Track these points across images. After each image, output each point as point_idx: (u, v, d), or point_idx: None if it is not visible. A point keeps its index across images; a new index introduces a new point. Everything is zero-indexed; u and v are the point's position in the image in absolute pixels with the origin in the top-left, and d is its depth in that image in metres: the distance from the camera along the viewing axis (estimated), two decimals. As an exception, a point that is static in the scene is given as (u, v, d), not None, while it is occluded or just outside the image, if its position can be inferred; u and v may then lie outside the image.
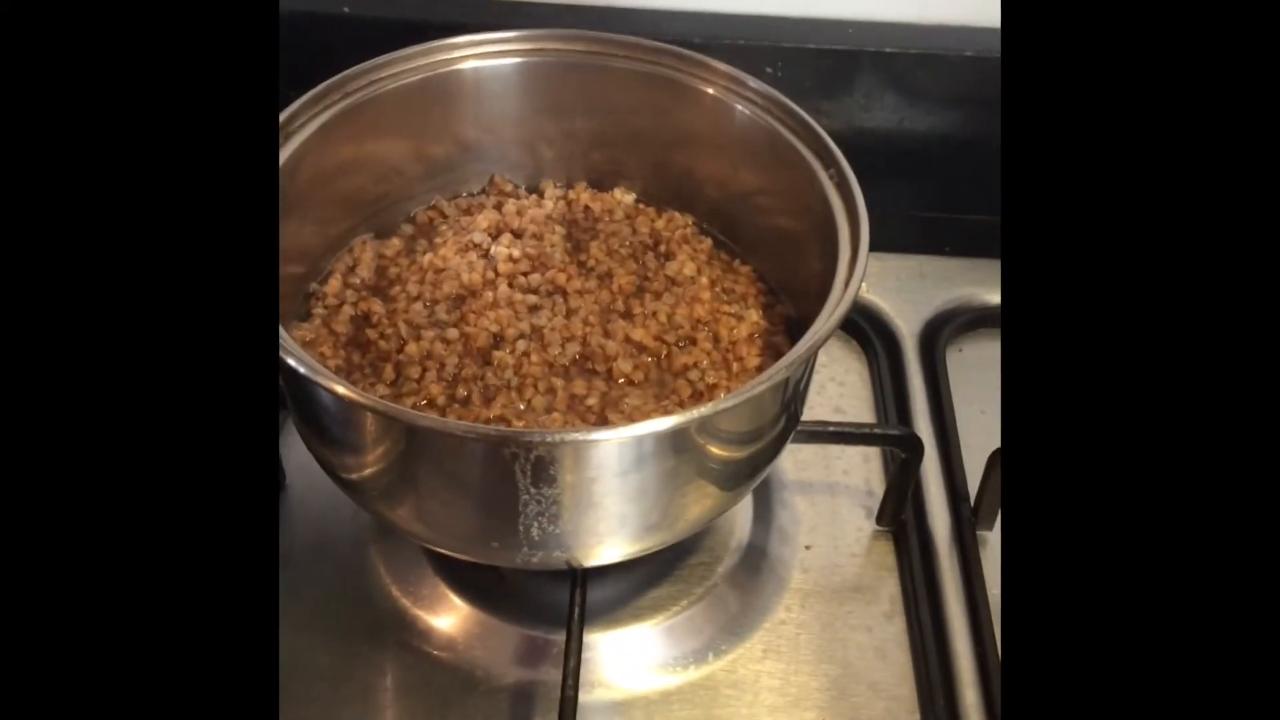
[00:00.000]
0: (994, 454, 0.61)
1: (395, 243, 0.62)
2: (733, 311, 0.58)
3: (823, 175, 0.55)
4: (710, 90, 0.59)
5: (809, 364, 0.53)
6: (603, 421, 0.53)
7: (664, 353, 0.57)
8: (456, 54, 0.59)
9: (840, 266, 0.50)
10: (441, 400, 0.53)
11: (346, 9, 0.74)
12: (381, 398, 0.53)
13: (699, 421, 0.45)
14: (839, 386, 0.72)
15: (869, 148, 0.79)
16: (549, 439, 0.43)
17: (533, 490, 0.46)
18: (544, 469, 0.45)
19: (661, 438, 0.46)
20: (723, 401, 0.44)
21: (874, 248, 0.76)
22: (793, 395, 0.52)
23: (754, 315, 0.58)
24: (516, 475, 0.45)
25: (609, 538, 0.49)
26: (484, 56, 0.59)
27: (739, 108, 0.58)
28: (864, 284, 0.75)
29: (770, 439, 0.52)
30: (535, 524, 0.47)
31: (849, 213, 0.52)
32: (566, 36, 0.60)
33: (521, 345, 0.55)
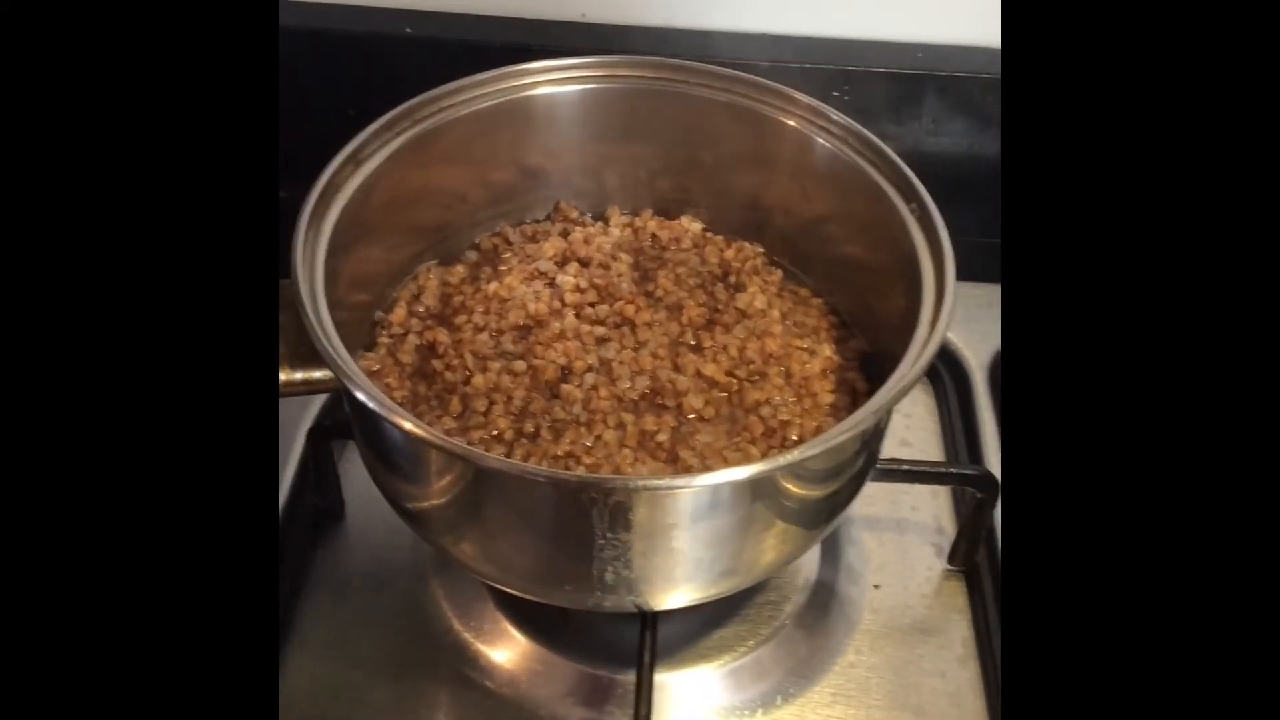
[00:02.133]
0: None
1: (460, 270, 0.61)
2: (805, 346, 0.57)
3: (904, 209, 0.53)
4: (791, 122, 0.57)
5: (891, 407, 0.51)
6: (673, 458, 0.52)
7: (735, 388, 0.55)
8: (529, 79, 0.58)
9: (925, 306, 0.49)
10: (509, 435, 0.52)
11: (409, 29, 0.73)
12: (448, 431, 0.53)
13: (783, 469, 0.43)
14: (905, 419, 0.70)
15: (937, 173, 0.76)
16: (630, 485, 0.42)
17: (609, 535, 0.44)
18: (622, 514, 0.43)
19: (743, 484, 0.44)
20: (809, 448, 0.43)
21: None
22: (873, 438, 0.51)
23: (827, 350, 0.57)
24: (594, 520, 0.44)
25: (684, 583, 0.48)
26: (557, 83, 0.58)
27: (820, 140, 0.57)
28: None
29: (849, 480, 0.51)
30: (610, 568, 0.46)
31: (932, 249, 0.51)
32: (640, 63, 0.59)
33: (590, 379, 0.54)
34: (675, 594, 0.49)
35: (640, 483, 0.42)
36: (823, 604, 0.60)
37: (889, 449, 0.68)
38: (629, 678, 0.54)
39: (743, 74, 0.58)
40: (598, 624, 0.58)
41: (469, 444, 0.52)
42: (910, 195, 0.53)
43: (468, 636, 0.58)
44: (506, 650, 0.57)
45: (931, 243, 0.51)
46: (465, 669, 0.57)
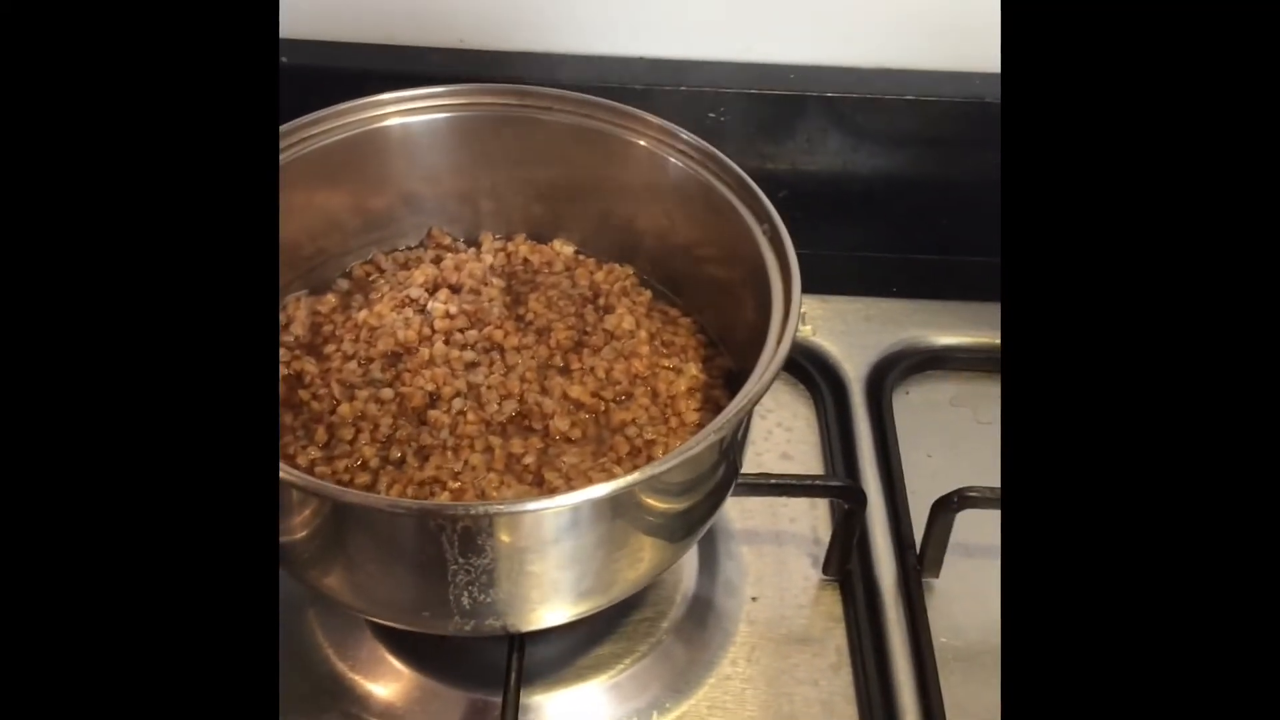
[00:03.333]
0: (937, 502, 0.60)
1: (330, 299, 0.61)
2: (671, 365, 0.58)
3: (757, 230, 0.54)
4: (642, 143, 0.58)
5: (744, 421, 0.52)
6: (539, 480, 0.52)
7: (602, 409, 0.56)
8: (382, 110, 0.58)
9: (774, 321, 0.50)
10: (374, 463, 0.53)
11: (285, 59, 0.73)
12: (313, 461, 0.53)
13: (629, 487, 0.44)
14: (786, 432, 0.71)
15: (814, 190, 0.79)
16: (473, 511, 0.42)
17: (461, 560, 0.45)
18: (471, 540, 0.44)
19: (593, 504, 0.45)
20: (652, 467, 0.44)
21: (820, 290, 0.77)
22: (730, 450, 0.52)
23: (693, 369, 0.58)
24: (444, 546, 0.44)
25: (543, 604, 0.49)
26: (412, 113, 0.59)
27: (672, 160, 0.58)
28: (810, 327, 0.76)
29: (709, 493, 0.52)
30: (465, 593, 0.46)
31: (782, 269, 0.52)
32: (496, 90, 0.59)
33: (458, 404, 0.55)
34: (537, 615, 0.49)
35: (483, 509, 0.42)
36: (700, 617, 0.61)
37: (769, 461, 0.69)
38: (505, 700, 0.55)
39: (596, 99, 0.59)
40: (475, 648, 0.58)
41: (334, 473, 0.52)
42: (762, 216, 0.54)
43: (344, 667, 0.58)
44: (385, 681, 0.57)
45: (781, 262, 0.52)
46: (343, 701, 0.57)
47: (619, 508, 0.47)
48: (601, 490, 0.43)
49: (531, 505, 0.43)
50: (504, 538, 0.44)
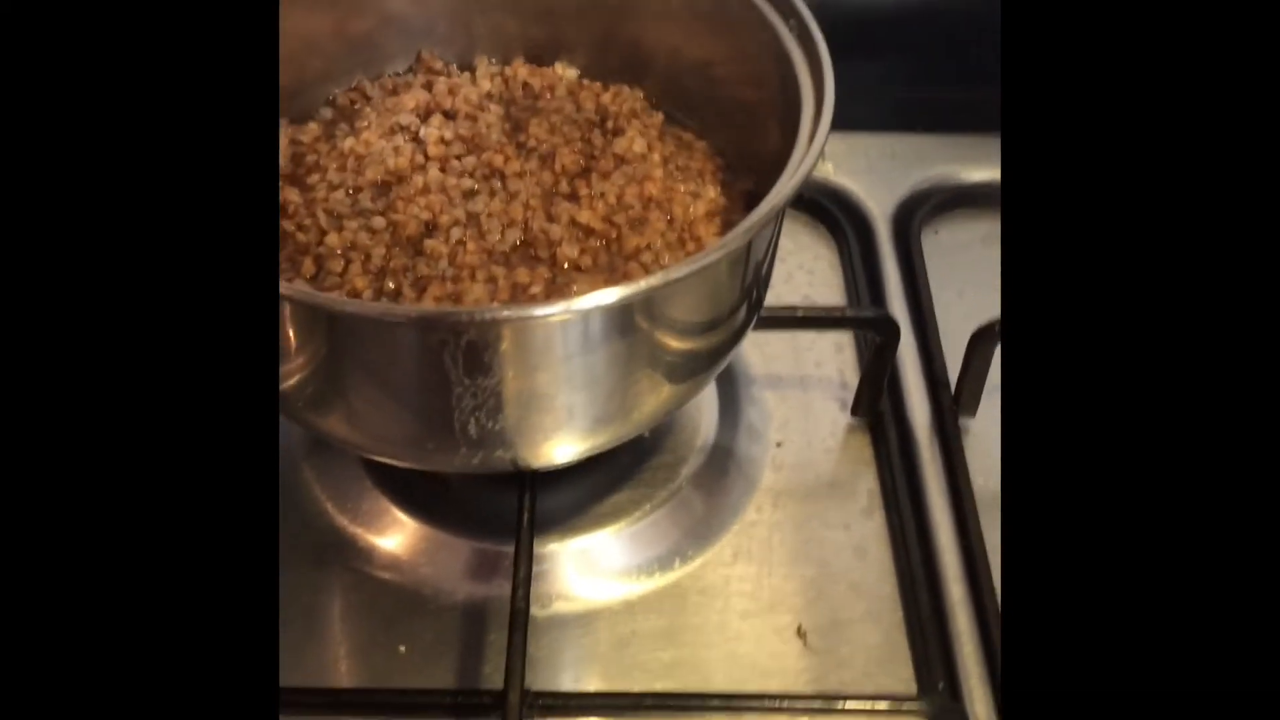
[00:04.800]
0: (978, 331, 0.56)
1: (313, 128, 0.56)
2: (689, 189, 0.53)
3: (782, 28, 0.49)
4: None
5: (772, 238, 0.48)
6: (548, 310, 0.48)
7: (614, 235, 0.51)
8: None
9: (804, 122, 0.45)
10: (368, 294, 0.48)
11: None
12: (300, 294, 0.48)
13: (647, 294, 0.39)
14: (808, 275, 0.67)
15: (836, 20, 0.72)
16: (480, 318, 0.38)
17: (466, 382, 0.41)
18: (477, 355, 0.40)
19: (608, 315, 0.41)
20: (669, 271, 0.39)
21: (842, 126, 0.70)
22: (753, 271, 0.47)
23: (711, 192, 0.53)
24: (447, 364, 0.40)
25: (555, 433, 0.45)
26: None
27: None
28: (832, 165, 0.71)
29: (729, 322, 0.47)
30: (472, 420, 0.42)
31: (811, 65, 0.47)
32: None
33: (456, 233, 0.50)
34: (549, 446, 0.45)
35: (490, 314, 0.38)
36: (721, 465, 0.57)
37: (791, 304, 0.65)
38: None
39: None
40: (482, 495, 0.54)
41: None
42: (788, 11, 0.49)
43: (344, 520, 0.54)
44: (388, 532, 0.54)
45: (810, 58, 0.47)
46: (344, 555, 0.53)
47: (633, 324, 0.42)
48: (613, 295, 0.39)
49: (540, 310, 0.39)
50: (512, 351, 0.40)
